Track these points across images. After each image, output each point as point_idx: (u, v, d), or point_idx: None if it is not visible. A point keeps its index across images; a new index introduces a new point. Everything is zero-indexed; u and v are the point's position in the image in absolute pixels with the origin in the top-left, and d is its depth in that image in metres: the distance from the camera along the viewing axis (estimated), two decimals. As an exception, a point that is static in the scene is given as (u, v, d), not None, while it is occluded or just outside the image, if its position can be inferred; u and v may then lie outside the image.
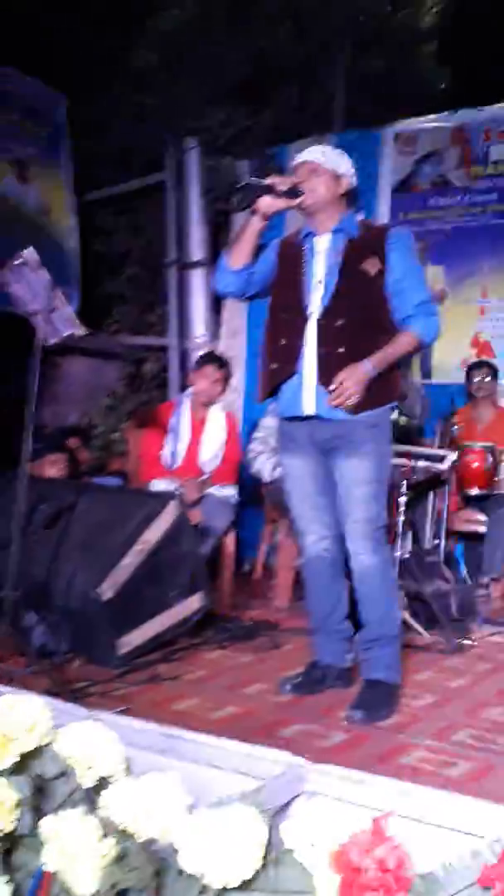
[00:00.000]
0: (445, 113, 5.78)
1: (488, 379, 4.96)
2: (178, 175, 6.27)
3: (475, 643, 3.71)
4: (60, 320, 2.77)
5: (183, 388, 5.99)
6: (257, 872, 0.93)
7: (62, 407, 5.77)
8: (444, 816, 1.15)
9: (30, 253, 2.71)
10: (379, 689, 2.76)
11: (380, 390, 2.74)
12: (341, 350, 2.70)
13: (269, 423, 4.59)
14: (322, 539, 2.90)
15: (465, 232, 5.57)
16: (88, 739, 1.09)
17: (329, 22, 5.98)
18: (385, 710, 2.70)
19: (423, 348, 2.89)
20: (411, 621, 3.67)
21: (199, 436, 4.28)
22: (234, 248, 2.83)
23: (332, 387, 2.68)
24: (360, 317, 2.73)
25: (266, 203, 2.71)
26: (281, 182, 2.72)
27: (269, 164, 5.98)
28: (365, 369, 2.67)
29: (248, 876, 0.91)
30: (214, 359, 4.44)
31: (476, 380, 4.97)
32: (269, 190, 2.70)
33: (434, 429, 5.05)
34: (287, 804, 1.23)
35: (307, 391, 2.75)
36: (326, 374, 2.71)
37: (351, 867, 0.97)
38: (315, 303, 2.75)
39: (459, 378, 5.20)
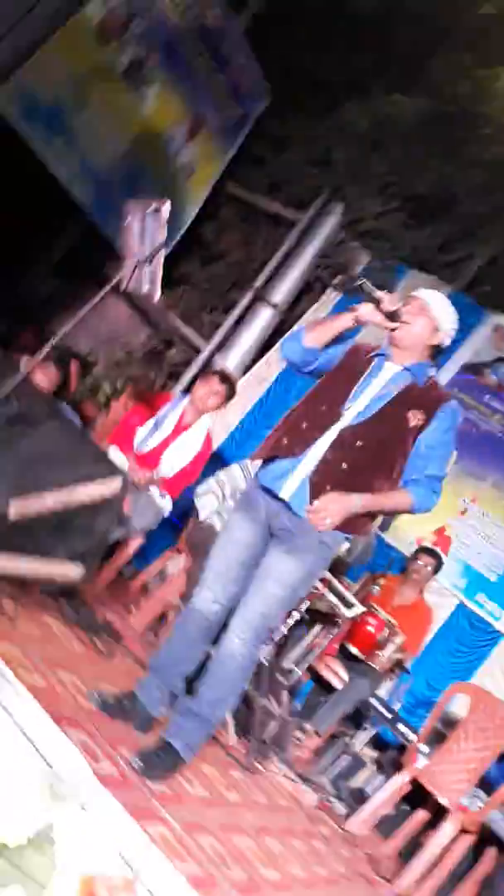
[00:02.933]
0: None
1: (429, 568, 5.08)
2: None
3: (266, 773, 3.75)
4: (146, 278, 2.82)
5: (187, 390, 6.06)
6: None
7: (81, 332, 5.78)
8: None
9: (167, 208, 2.77)
10: (168, 755, 2.77)
11: (350, 518, 2.81)
12: (345, 466, 2.78)
13: (235, 472, 4.65)
14: (216, 603, 2.93)
15: (492, 439, 5.74)
16: None
17: None
18: (161, 775, 2.71)
19: (410, 513, 2.97)
20: (227, 717, 3.70)
21: (175, 438, 4.32)
22: (316, 329, 2.92)
23: (316, 503, 2.74)
24: (378, 450, 2.81)
25: (366, 311, 2.82)
26: (389, 301, 2.83)
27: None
28: (353, 504, 2.75)
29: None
30: (224, 375, 4.48)
31: (419, 562, 5.09)
32: (376, 302, 2.81)
33: (358, 577, 5.14)
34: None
35: (294, 479, 2.81)
36: (321, 479, 2.78)
37: None
38: (350, 413, 2.84)
39: (407, 551, 5.32)
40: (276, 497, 2.85)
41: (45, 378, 4.09)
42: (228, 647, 2.83)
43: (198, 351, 6.33)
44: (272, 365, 6.31)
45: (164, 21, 5.44)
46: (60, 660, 3.00)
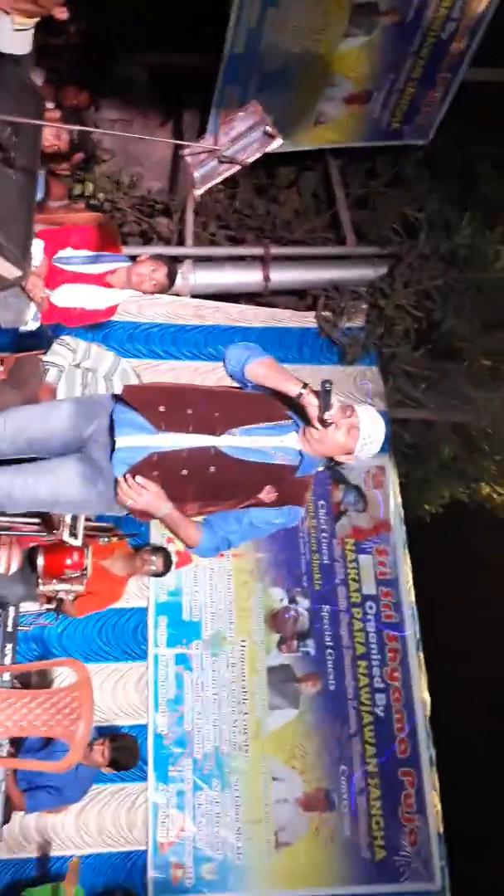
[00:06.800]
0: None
1: (152, 567, 5.02)
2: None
3: None
4: (208, 171, 2.66)
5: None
6: None
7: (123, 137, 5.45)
8: None
9: (277, 144, 2.62)
10: None
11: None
12: (184, 473, 2.73)
13: (107, 359, 4.38)
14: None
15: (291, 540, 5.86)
16: None
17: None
18: None
19: (188, 548, 2.93)
20: None
21: (90, 283, 4.13)
22: (267, 370, 2.79)
23: (139, 479, 2.70)
24: (218, 486, 2.78)
25: (309, 400, 2.68)
26: (333, 411, 2.67)
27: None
28: (161, 508, 2.72)
29: None
30: (174, 273, 4.19)
31: (151, 557, 5.07)
32: (324, 404, 2.64)
33: (103, 520, 5.07)
34: None
35: (138, 441, 2.75)
36: (157, 465, 2.73)
37: None
38: (230, 440, 2.75)
39: (156, 538, 5.31)
40: (111, 434, 2.77)
41: (54, 139, 3.79)
42: None
43: (182, 243, 6.07)
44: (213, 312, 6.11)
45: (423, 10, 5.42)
46: None
